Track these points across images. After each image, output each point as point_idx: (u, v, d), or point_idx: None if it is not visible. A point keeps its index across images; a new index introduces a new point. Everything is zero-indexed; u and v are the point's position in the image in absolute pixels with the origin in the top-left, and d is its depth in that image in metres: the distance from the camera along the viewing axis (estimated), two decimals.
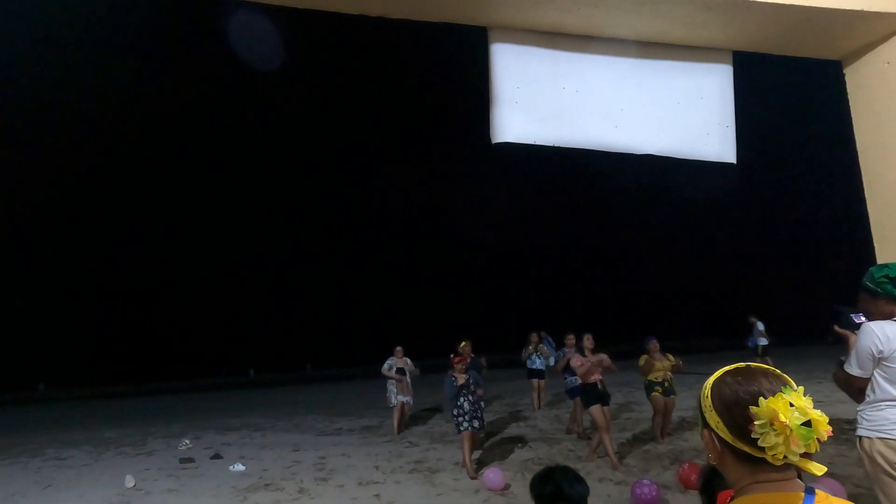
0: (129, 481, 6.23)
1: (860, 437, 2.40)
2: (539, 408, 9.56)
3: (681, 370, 6.84)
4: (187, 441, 8.61)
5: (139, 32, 25.06)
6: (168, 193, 29.12)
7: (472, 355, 7.73)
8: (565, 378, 7.51)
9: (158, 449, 8.37)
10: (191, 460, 7.26)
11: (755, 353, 12.34)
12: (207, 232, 29.46)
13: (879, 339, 2.26)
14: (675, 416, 7.75)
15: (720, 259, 32.02)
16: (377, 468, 6.31)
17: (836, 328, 2.60)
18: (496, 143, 2.63)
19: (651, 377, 6.65)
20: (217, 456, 7.45)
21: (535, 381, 9.50)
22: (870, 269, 2.45)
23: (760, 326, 12.58)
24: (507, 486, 5.07)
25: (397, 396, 8.51)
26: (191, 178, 28.97)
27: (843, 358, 2.52)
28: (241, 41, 20.64)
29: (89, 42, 23.34)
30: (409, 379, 8.63)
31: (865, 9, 2.58)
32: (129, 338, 26.86)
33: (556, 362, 8.66)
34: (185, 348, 26.32)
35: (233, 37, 20.87)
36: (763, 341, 12.54)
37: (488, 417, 9.01)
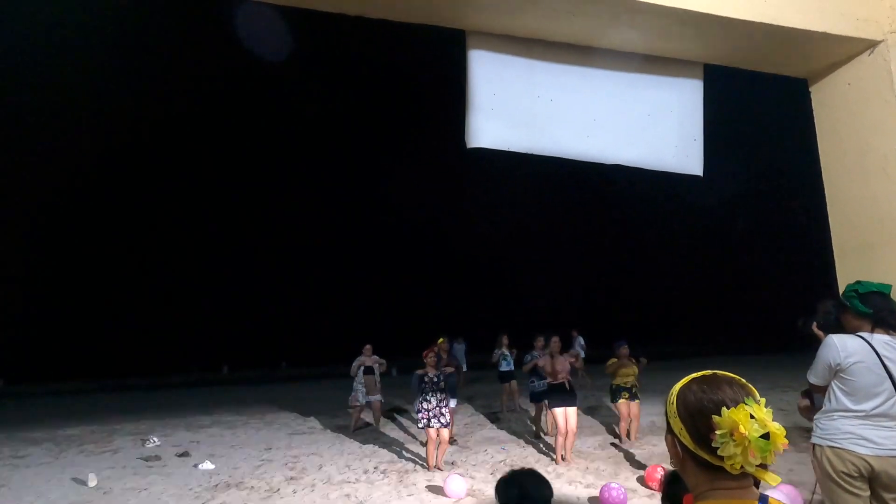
0: (92, 480, 6.05)
1: (813, 445, 2.50)
2: (512, 409, 9.56)
3: (643, 368, 7.07)
4: (155, 438, 8.40)
5: (140, 31, 24.46)
6: (138, 189, 28.43)
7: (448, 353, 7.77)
8: (531, 382, 7.56)
9: (124, 447, 8.14)
10: (157, 458, 7.09)
11: None
12: (181, 227, 28.85)
13: (838, 353, 2.37)
14: (647, 420, 7.89)
15: (713, 263, 32.51)
16: (349, 467, 6.28)
17: (814, 327, 2.72)
18: (470, 148, 2.66)
19: (618, 382, 6.80)
20: (185, 454, 7.30)
21: (506, 384, 9.40)
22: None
23: (581, 341, 12.62)
24: (468, 493, 5.09)
25: (365, 396, 8.48)
26: (159, 174, 28.38)
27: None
28: (233, 39, 20.21)
29: (93, 42, 22.72)
30: (377, 377, 8.60)
31: (829, 31, 2.68)
32: (97, 332, 26.03)
33: (524, 364, 8.79)
34: (156, 344, 25.67)
35: (221, 34, 20.45)
36: (581, 354, 12.78)
37: (462, 419, 9.05)
